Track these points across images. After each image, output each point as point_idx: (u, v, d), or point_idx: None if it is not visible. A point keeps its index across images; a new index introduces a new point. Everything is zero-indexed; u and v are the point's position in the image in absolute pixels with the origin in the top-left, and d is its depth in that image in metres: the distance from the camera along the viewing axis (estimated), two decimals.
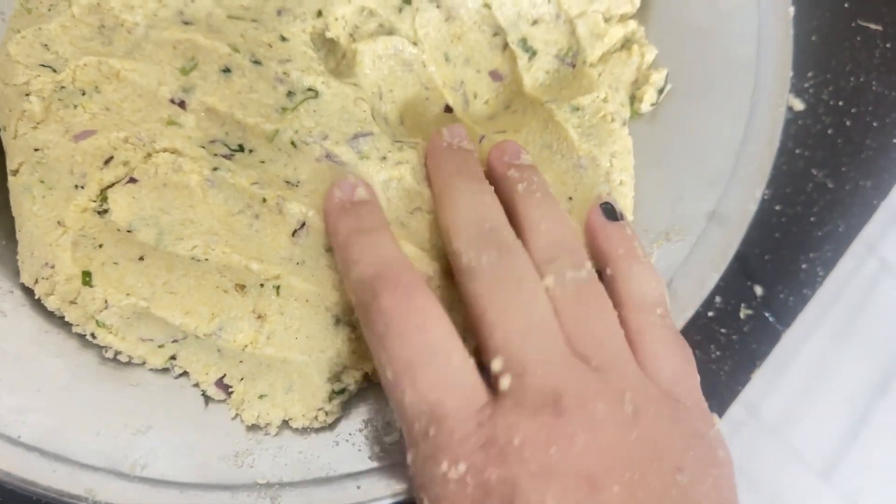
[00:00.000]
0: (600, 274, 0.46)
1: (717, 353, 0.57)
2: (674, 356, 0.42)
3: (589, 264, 0.44)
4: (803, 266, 0.60)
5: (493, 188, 0.46)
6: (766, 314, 0.58)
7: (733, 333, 0.58)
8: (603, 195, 0.50)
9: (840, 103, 0.63)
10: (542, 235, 0.44)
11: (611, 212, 0.48)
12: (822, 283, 0.60)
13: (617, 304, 0.43)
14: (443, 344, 0.38)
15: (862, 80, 0.63)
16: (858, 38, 0.63)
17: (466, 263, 0.41)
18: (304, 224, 0.49)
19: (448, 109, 0.56)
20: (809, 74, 0.63)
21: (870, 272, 0.61)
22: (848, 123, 0.62)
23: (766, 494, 0.56)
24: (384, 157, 0.50)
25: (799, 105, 0.62)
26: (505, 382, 0.37)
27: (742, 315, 0.58)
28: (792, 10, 0.56)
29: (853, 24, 0.64)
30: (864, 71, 0.63)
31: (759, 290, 0.59)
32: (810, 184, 0.61)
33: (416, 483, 0.37)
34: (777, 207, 0.61)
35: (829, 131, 0.62)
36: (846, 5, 0.64)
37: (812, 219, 0.61)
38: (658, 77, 0.55)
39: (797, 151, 0.62)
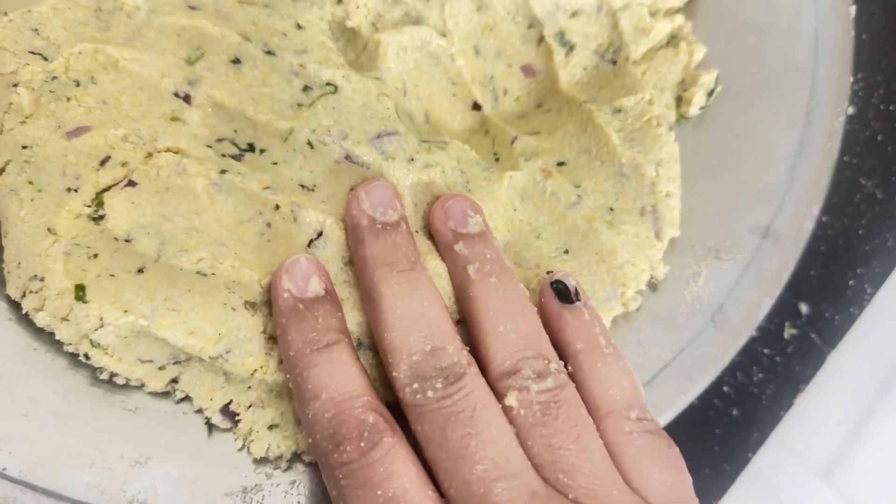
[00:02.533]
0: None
1: (760, 375, 0.54)
2: (660, 467, 0.38)
3: (554, 366, 0.39)
4: (850, 283, 0.57)
5: (429, 276, 0.41)
6: (812, 334, 0.55)
7: (777, 355, 0.54)
8: (555, 273, 0.44)
9: (891, 107, 0.59)
10: (500, 340, 0.39)
11: (563, 293, 0.42)
12: (871, 301, 0.57)
13: (588, 408, 0.39)
14: (407, 495, 0.35)
15: None
16: None
17: (411, 399, 0.37)
18: (321, 234, 0.45)
19: (476, 107, 0.52)
20: (859, 76, 0.59)
21: None
22: None
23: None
24: (412, 159, 0.46)
25: (848, 109, 0.58)
26: None
27: (787, 335, 0.54)
28: (853, 8, 0.51)
29: None
30: None
31: (804, 307, 0.55)
32: (858, 194, 0.58)
33: None
34: (824, 219, 0.57)
35: (879, 137, 0.58)
36: None
37: (860, 231, 0.57)
38: (708, 78, 0.51)
39: (845, 159, 0.58)
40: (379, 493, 0.34)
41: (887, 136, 0.59)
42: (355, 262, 0.42)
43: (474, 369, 0.38)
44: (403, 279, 0.39)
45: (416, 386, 0.37)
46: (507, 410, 0.37)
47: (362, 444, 0.35)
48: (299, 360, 0.39)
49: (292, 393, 0.40)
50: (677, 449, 0.40)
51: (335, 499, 0.36)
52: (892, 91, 0.60)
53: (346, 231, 0.43)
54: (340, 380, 0.38)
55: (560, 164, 0.50)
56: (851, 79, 0.52)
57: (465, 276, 0.41)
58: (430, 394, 0.36)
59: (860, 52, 0.58)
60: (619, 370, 0.40)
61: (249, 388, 0.45)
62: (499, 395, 0.37)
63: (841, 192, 0.58)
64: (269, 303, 0.44)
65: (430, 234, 0.46)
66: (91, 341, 0.44)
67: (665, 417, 0.46)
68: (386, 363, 0.39)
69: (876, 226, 0.58)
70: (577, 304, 0.42)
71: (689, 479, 0.39)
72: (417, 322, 0.38)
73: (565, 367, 0.41)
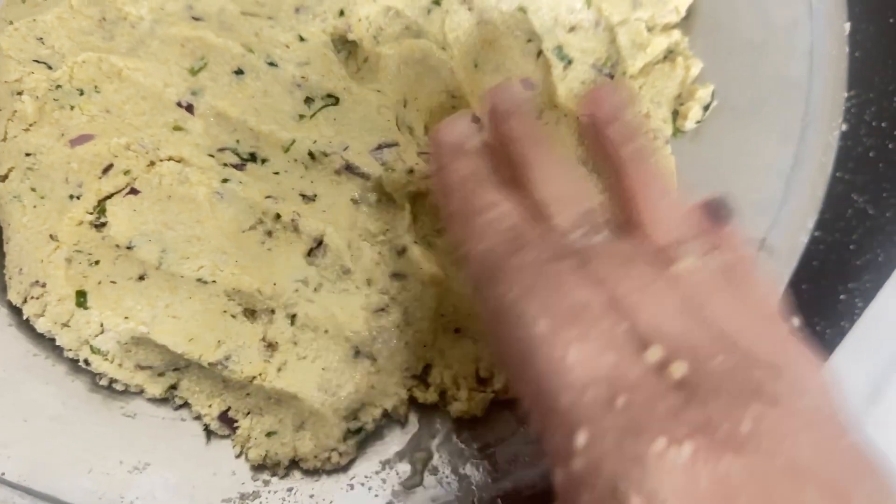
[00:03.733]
0: None
1: None
2: (819, 367, 0.34)
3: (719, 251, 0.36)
4: (841, 297, 0.57)
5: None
6: None
7: None
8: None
9: (883, 125, 0.59)
10: (671, 210, 0.36)
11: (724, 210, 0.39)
12: (861, 316, 0.57)
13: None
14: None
15: None
16: None
17: (577, 241, 0.34)
18: (320, 242, 0.45)
19: (475, 119, 0.53)
20: (852, 93, 0.59)
21: None
22: (891, 146, 0.59)
23: None
24: (411, 170, 0.46)
25: (841, 125, 0.59)
26: (679, 369, 0.29)
27: None
28: (848, 25, 0.52)
29: None
30: None
31: (795, 321, 0.56)
32: (850, 209, 0.58)
33: (597, 465, 0.28)
34: (816, 234, 0.58)
35: (871, 154, 0.59)
36: (892, 21, 0.61)
37: (851, 246, 0.58)
38: (704, 93, 0.51)
39: (837, 175, 0.58)
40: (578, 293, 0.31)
41: (879, 152, 0.59)
42: (509, 134, 0.39)
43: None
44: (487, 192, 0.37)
45: (582, 231, 0.34)
46: (680, 276, 0.33)
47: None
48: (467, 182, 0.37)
49: (453, 216, 0.37)
50: None
51: (512, 304, 0.32)
52: (884, 108, 0.60)
53: (490, 116, 0.40)
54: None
55: None
56: (846, 94, 0.52)
57: (624, 151, 0.37)
58: (599, 237, 0.34)
59: (853, 70, 0.59)
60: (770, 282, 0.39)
61: (248, 394, 0.45)
62: (667, 264, 0.34)
63: (833, 208, 0.59)
64: (268, 311, 0.44)
65: (433, 240, 0.46)
66: (91, 347, 0.44)
67: None
68: (545, 213, 0.35)
69: (867, 241, 0.58)
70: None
71: None
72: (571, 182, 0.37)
73: None
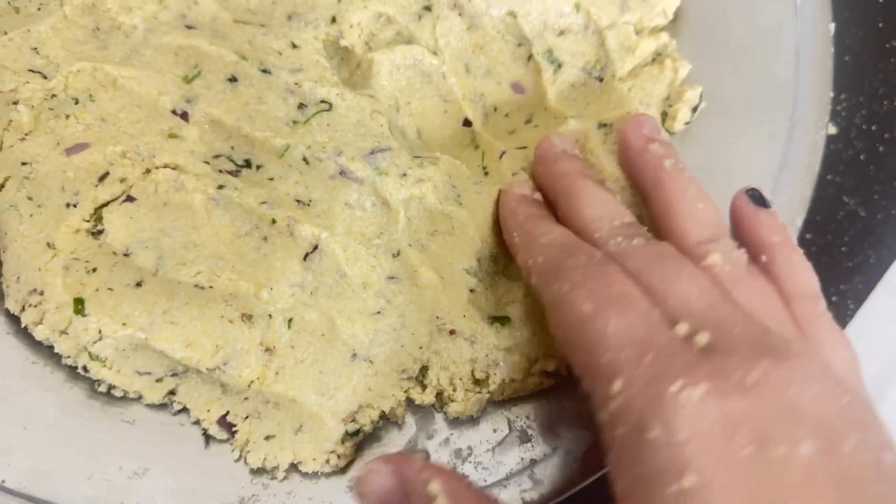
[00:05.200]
0: None
1: None
2: (845, 347, 0.41)
3: (744, 249, 0.42)
4: (833, 298, 0.58)
5: None
6: None
7: None
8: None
9: (873, 128, 0.60)
10: (698, 215, 0.42)
11: (759, 198, 0.45)
12: (853, 318, 0.58)
13: (781, 292, 0.41)
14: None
15: None
16: (893, 60, 0.61)
17: (616, 247, 0.41)
18: (316, 247, 0.45)
19: (467, 123, 0.53)
20: (842, 96, 0.60)
21: None
22: (881, 149, 0.60)
23: None
24: (404, 174, 0.47)
25: (831, 128, 0.60)
26: (703, 338, 0.35)
27: None
28: (832, 26, 0.53)
29: (887, 45, 0.61)
30: None
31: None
32: (841, 211, 0.59)
33: (628, 405, 0.34)
34: (808, 236, 0.58)
35: (862, 157, 0.59)
36: (881, 25, 0.62)
37: (843, 248, 0.58)
38: (692, 94, 0.52)
39: (828, 177, 0.59)
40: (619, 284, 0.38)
41: (869, 155, 0.60)
42: (549, 177, 0.48)
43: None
44: (600, 185, 0.46)
45: (619, 239, 0.41)
46: (709, 268, 0.40)
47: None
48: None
49: (520, 244, 0.45)
50: None
51: (562, 286, 0.39)
52: (873, 111, 0.61)
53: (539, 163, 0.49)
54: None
55: None
56: (832, 94, 0.53)
57: (659, 168, 0.44)
58: (635, 241, 0.41)
59: (843, 74, 0.60)
60: (810, 265, 0.43)
61: (246, 399, 0.45)
62: (698, 259, 0.40)
63: (824, 210, 0.59)
64: (265, 315, 0.45)
65: (427, 243, 0.47)
66: (90, 354, 0.44)
67: None
68: (585, 232, 0.43)
69: (858, 243, 0.59)
70: (772, 209, 0.45)
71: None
72: (614, 205, 0.44)
73: (758, 259, 0.43)
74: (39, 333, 0.44)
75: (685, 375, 0.33)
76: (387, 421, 0.46)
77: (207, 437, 0.46)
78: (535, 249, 0.43)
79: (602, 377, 0.35)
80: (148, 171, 0.46)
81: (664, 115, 0.53)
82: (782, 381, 0.33)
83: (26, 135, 0.46)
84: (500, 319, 0.46)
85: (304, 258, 0.45)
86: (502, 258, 0.49)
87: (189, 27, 0.48)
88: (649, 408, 0.33)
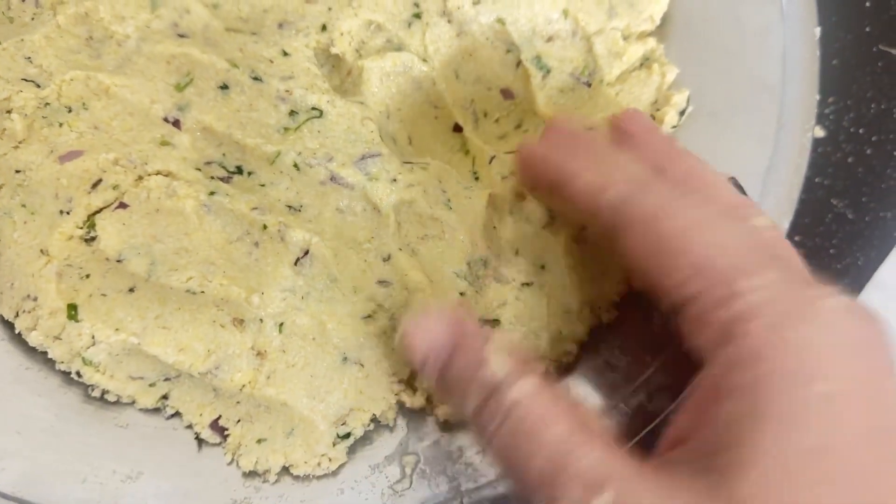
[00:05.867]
0: None
1: None
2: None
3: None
4: None
5: None
6: None
7: None
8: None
9: (861, 131, 0.60)
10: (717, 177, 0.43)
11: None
12: None
13: None
14: None
15: (883, 108, 0.60)
16: (880, 64, 0.61)
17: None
18: (307, 252, 0.46)
19: (457, 128, 0.54)
20: (830, 100, 0.60)
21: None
22: (869, 152, 0.60)
23: None
24: (394, 179, 0.47)
25: (819, 132, 0.60)
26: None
27: None
28: (818, 30, 0.53)
29: (875, 49, 0.61)
30: (885, 98, 0.60)
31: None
32: (830, 214, 0.59)
33: (774, 302, 0.35)
34: (796, 238, 0.59)
35: (850, 160, 0.60)
36: (868, 29, 0.62)
37: (831, 251, 0.58)
38: (679, 98, 0.52)
39: (817, 180, 0.59)
40: None
41: (858, 158, 0.60)
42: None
43: None
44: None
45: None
46: None
47: None
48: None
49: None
50: None
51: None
52: (862, 115, 0.61)
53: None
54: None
55: None
56: (819, 97, 0.54)
57: (671, 147, 0.45)
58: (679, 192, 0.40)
59: (831, 78, 0.60)
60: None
61: (238, 402, 0.46)
62: None
63: (812, 213, 0.59)
64: (256, 320, 0.45)
65: (417, 247, 0.47)
66: (83, 359, 0.45)
67: None
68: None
69: (847, 245, 0.59)
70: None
71: None
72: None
73: None
74: (33, 339, 0.45)
75: (826, 288, 0.35)
76: (378, 424, 0.47)
77: (200, 441, 0.46)
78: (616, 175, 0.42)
79: (724, 276, 0.35)
80: (140, 178, 0.46)
81: (652, 118, 0.53)
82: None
83: (20, 143, 0.46)
84: (490, 322, 0.47)
85: (296, 263, 0.46)
86: (492, 262, 0.49)
87: (181, 36, 0.49)
88: (797, 309, 0.34)
